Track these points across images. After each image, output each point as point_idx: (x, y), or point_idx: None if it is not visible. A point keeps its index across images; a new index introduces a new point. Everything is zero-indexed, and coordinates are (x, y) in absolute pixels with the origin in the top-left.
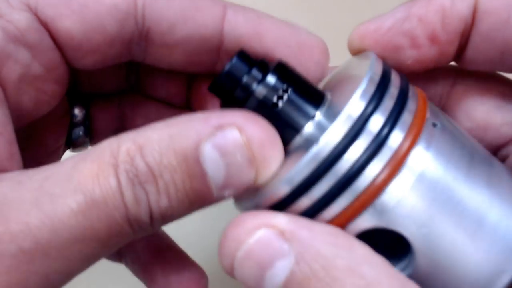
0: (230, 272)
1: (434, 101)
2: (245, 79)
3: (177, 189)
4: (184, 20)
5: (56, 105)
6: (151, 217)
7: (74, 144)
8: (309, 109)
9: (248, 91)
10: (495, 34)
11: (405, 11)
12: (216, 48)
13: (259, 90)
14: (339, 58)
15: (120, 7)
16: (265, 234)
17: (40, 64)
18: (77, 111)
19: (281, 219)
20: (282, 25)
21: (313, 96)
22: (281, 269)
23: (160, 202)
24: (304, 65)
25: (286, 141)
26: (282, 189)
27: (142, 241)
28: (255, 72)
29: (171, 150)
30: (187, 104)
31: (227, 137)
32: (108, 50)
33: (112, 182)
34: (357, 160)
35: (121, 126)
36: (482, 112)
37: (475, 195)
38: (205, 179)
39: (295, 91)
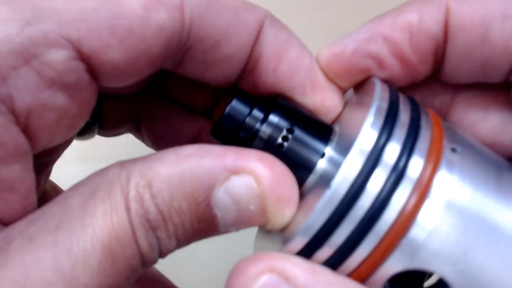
0: None
1: None
2: (247, 120)
3: (185, 231)
4: (228, 38)
5: None
6: (161, 255)
7: (81, 133)
8: (318, 145)
9: (252, 132)
10: (473, 51)
11: (369, 31)
12: (243, 65)
13: (263, 130)
14: None
15: (167, 28)
16: (270, 280)
17: (75, 104)
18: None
19: (285, 264)
20: (305, 55)
21: (321, 130)
22: None
23: (170, 245)
24: (313, 106)
25: (299, 181)
26: (301, 241)
27: None
28: (256, 112)
29: (181, 191)
30: (208, 112)
31: (242, 186)
32: (149, 70)
33: (127, 229)
34: (378, 196)
35: (131, 114)
36: (488, 129)
37: (509, 215)
38: (214, 221)
39: (300, 127)
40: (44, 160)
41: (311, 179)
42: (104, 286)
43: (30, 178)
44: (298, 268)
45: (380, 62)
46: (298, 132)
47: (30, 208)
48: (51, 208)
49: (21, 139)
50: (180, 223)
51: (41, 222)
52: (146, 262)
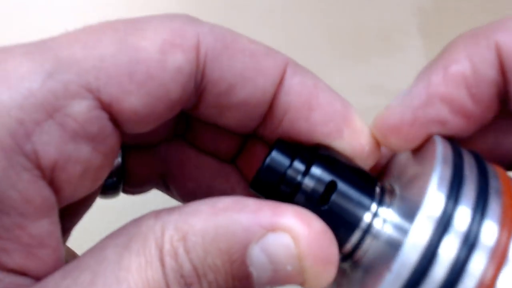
0: None
1: (508, 156)
2: (288, 172)
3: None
4: (243, 83)
5: None
6: None
7: (105, 191)
8: (364, 200)
9: (293, 185)
10: None
11: (422, 94)
12: (265, 111)
13: (306, 183)
14: (336, 58)
15: (184, 70)
16: None
17: (100, 154)
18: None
19: None
20: (335, 100)
21: (366, 184)
22: None
23: None
24: (350, 151)
25: (345, 237)
26: None
27: None
28: (297, 164)
29: (215, 247)
30: (233, 159)
31: (279, 245)
32: (169, 114)
33: (162, 286)
34: (452, 267)
35: (157, 171)
36: None
37: None
38: (249, 279)
39: (345, 180)
40: (65, 225)
41: (375, 244)
42: None
43: (58, 231)
44: None
45: (442, 124)
46: (342, 185)
47: (60, 261)
48: (85, 260)
49: (48, 193)
50: (214, 280)
51: (75, 275)
52: None
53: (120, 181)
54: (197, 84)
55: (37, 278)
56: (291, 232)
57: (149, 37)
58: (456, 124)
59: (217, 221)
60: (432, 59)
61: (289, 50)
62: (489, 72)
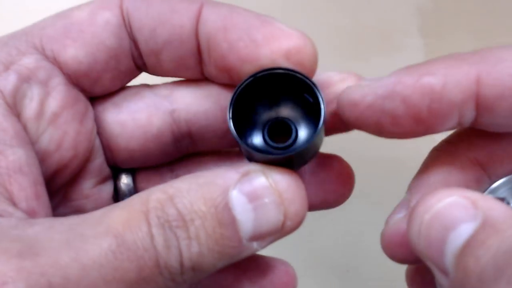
0: (416, 239)
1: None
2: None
3: (207, 235)
4: (161, 24)
5: (88, 155)
6: (182, 264)
7: None
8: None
9: None
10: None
11: (389, 87)
12: (196, 48)
13: None
14: (336, 58)
15: (112, 21)
16: (456, 199)
17: (55, 100)
18: (123, 185)
19: (476, 195)
20: (252, 18)
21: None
22: (464, 230)
23: (191, 248)
24: (272, 58)
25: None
26: None
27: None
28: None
29: (200, 197)
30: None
31: (254, 182)
32: (116, 65)
33: (143, 226)
34: None
35: None
36: None
37: None
38: (234, 225)
39: None
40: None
41: None
42: (111, 268)
43: (36, 167)
44: (489, 200)
45: (394, 120)
46: None
47: (43, 198)
48: (76, 215)
49: (18, 127)
50: (202, 225)
51: (63, 220)
52: (163, 263)
53: None
54: (130, 35)
55: (21, 207)
56: (261, 171)
57: (82, 8)
58: (406, 124)
59: (200, 180)
60: (419, 63)
61: None
62: (456, 95)
